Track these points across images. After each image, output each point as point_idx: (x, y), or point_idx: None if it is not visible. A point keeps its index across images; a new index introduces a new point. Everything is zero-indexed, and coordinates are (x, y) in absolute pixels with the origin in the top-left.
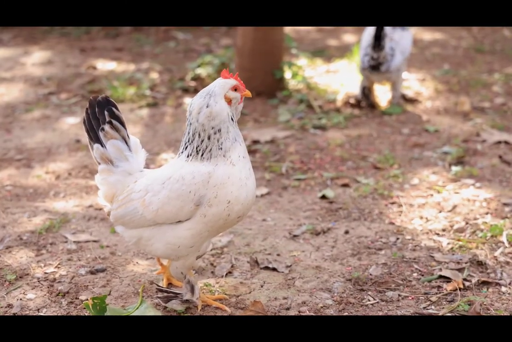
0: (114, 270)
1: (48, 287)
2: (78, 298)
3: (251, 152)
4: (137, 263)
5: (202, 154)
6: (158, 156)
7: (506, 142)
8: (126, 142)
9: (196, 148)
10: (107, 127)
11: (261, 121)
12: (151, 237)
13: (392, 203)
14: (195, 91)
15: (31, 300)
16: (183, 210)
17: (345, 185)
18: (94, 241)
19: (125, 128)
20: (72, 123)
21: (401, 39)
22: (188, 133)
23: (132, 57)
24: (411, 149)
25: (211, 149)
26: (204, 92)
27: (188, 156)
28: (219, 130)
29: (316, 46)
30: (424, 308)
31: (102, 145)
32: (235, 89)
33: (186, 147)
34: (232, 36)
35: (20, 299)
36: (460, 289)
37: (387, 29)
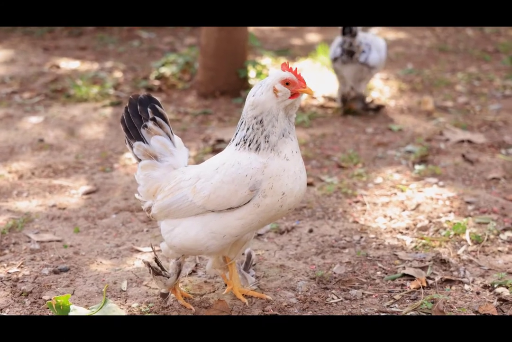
0: (78, 270)
1: (11, 287)
2: (41, 298)
3: (215, 151)
4: (100, 262)
5: (249, 145)
6: (122, 156)
7: (469, 141)
8: (170, 139)
9: (243, 137)
10: (150, 124)
11: (225, 120)
12: (191, 225)
13: (356, 202)
14: (159, 90)
15: None
16: (236, 194)
17: (309, 184)
18: (58, 241)
19: (169, 125)
20: (35, 122)
21: (374, 41)
22: (240, 121)
23: (96, 56)
24: (375, 148)
25: (257, 140)
26: (260, 81)
27: (236, 145)
28: (261, 122)
29: (280, 45)
30: (387, 306)
31: (144, 142)
32: (286, 83)
33: (236, 135)
34: (196, 35)
35: None
36: (423, 287)
37: (360, 33)
